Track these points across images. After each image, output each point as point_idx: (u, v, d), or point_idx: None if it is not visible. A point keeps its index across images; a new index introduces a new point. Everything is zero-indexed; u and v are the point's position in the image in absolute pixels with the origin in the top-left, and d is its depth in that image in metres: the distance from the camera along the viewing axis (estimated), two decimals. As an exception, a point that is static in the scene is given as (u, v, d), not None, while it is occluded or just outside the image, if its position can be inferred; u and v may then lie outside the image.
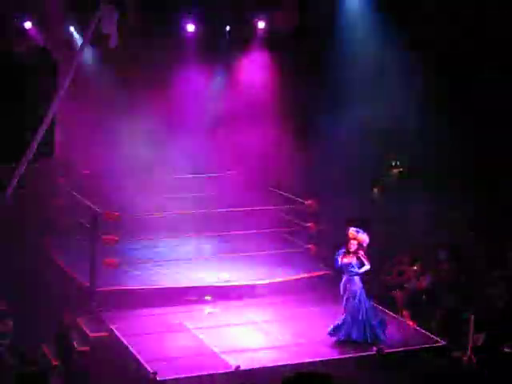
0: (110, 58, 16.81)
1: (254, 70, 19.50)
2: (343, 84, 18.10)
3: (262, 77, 19.45)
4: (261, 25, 19.11)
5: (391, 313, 15.19)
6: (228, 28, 18.93)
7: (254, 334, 14.12)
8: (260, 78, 19.44)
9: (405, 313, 14.71)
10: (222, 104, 19.04)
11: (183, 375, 12.42)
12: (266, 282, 16.06)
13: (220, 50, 19.16)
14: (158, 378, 12.13)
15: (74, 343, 13.60)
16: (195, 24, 18.76)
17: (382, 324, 13.74)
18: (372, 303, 13.93)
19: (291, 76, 19.10)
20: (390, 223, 18.26)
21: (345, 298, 13.61)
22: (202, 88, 19.28)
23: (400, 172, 21.22)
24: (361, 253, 13.58)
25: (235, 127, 18.68)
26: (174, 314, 14.93)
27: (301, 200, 17.06)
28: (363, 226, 14.06)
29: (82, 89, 16.38)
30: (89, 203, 16.02)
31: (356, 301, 13.50)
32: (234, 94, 19.21)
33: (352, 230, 13.69)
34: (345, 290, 13.61)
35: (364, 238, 13.63)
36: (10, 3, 16.18)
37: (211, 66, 19.35)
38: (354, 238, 13.62)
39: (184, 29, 18.82)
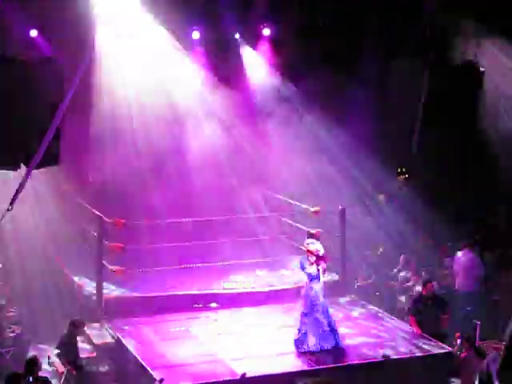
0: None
1: (256, 73, 19.52)
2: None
3: (265, 79, 19.47)
4: (266, 32, 19.14)
5: (397, 318, 15.21)
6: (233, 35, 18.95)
7: (260, 341, 14.09)
8: (263, 80, 19.46)
9: (411, 319, 14.68)
10: (226, 107, 19.06)
11: (190, 382, 12.41)
12: (272, 288, 16.05)
13: (225, 53, 19.16)
14: (164, 386, 12.13)
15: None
16: (200, 31, 18.79)
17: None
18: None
19: (296, 78, 19.13)
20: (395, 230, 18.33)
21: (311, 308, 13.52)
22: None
23: (405, 179, 21.28)
24: (320, 264, 13.48)
25: (238, 129, 18.69)
26: (180, 321, 14.92)
27: (306, 206, 17.05)
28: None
29: (88, 96, 16.45)
30: (95, 211, 16.03)
31: (321, 310, 13.49)
32: (238, 97, 19.22)
33: (306, 242, 13.66)
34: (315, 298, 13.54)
35: (316, 248, 13.51)
36: (16, 12, 16.21)
37: (215, 70, 19.35)
38: (310, 251, 13.51)
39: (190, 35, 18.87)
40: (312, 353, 13.34)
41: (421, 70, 18.60)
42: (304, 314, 13.53)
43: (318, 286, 13.48)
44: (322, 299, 13.49)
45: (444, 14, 17.70)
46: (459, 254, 16.35)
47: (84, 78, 12.56)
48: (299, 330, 13.57)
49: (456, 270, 16.28)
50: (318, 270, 13.45)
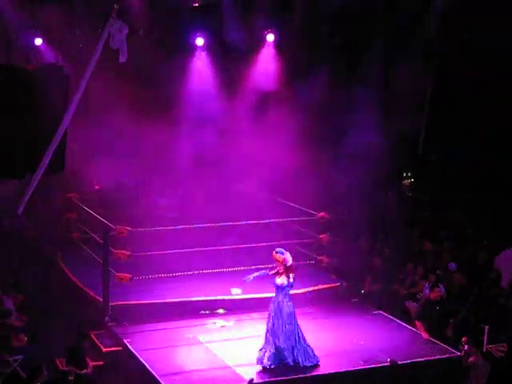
0: (121, 71, 16.85)
1: (263, 77, 19.51)
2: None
3: (272, 84, 19.46)
4: (270, 38, 19.16)
5: (404, 324, 15.17)
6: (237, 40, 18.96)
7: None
8: (269, 85, 19.45)
9: (418, 324, 14.65)
10: (230, 112, 19.07)
11: (197, 389, 12.43)
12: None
13: (229, 59, 19.18)
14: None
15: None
16: (204, 38, 18.84)
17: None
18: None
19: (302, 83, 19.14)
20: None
21: (275, 321, 13.17)
22: (211, 98, 19.29)
23: (410, 183, 21.32)
24: (289, 274, 13.08)
25: (243, 137, 18.68)
26: (187, 328, 14.88)
27: (313, 212, 17.03)
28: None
29: (94, 102, 16.49)
30: (100, 218, 16.05)
31: (291, 323, 13.10)
32: (242, 103, 19.24)
33: (274, 252, 13.32)
34: (276, 311, 13.17)
35: (284, 257, 13.15)
36: (21, 21, 16.27)
37: (220, 76, 19.37)
38: (277, 260, 13.23)
39: (193, 42, 18.92)
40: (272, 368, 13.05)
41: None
42: (271, 328, 13.19)
43: (285, 298, 13.13)
44: (288, 311, 13.11)
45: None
46: None
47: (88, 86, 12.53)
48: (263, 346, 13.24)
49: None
50: (289, 280, 13.06)
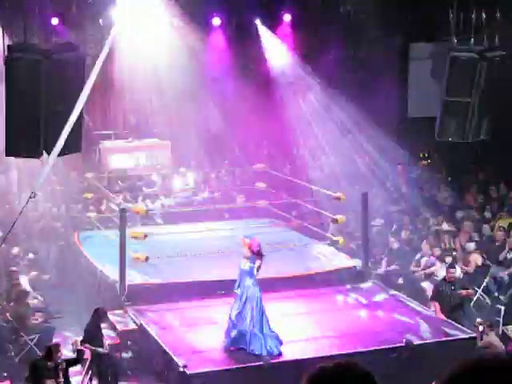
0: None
1: (279, 57, 19.42)
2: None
3: (287, 64, 19.38)
4: (286, 18, 19.08)
5: (420, 304, 15.15)
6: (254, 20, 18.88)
7: (281, 328, 14.06)
8: (285, 65, 19.37)
9: (433, 304, 14.63)
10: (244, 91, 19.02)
11: (213, 368, 12.45)
12: (294, 274, 16.02)
13: (246, 39, 19.11)
14: (187, 372, 12.17)
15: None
16: (221, 17, 18.76)
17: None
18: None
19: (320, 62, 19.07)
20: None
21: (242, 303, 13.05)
22: (228, 77, 19.23)
23: (428, 163, 21.23)
24: (256, 261, 12.88)
25: (256, 117, 18.64)
26: (203, 308, 14.93)
27: (329, 192, 17.01)
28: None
29: (110, 82, 16.50)
30: (117, 197, 16.09)
31: (247, 308, 12.93)
32: (258, 83, 19.19)
33: (242, 236, 13.27)
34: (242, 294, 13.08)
35: (250, 243, 12.94)
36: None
37: (237, 56, 19.30)
38: (243, 244, 13.08)
39: (210, 22, 18.84)
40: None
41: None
42: (237, 310, 13.08)
43: (248, 283, 12.95)
44: (248, 296, 12.94)
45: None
46: None
47: (104, 66, 12.55)
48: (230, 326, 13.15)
49: None
50: (251, 267, 12.90)
